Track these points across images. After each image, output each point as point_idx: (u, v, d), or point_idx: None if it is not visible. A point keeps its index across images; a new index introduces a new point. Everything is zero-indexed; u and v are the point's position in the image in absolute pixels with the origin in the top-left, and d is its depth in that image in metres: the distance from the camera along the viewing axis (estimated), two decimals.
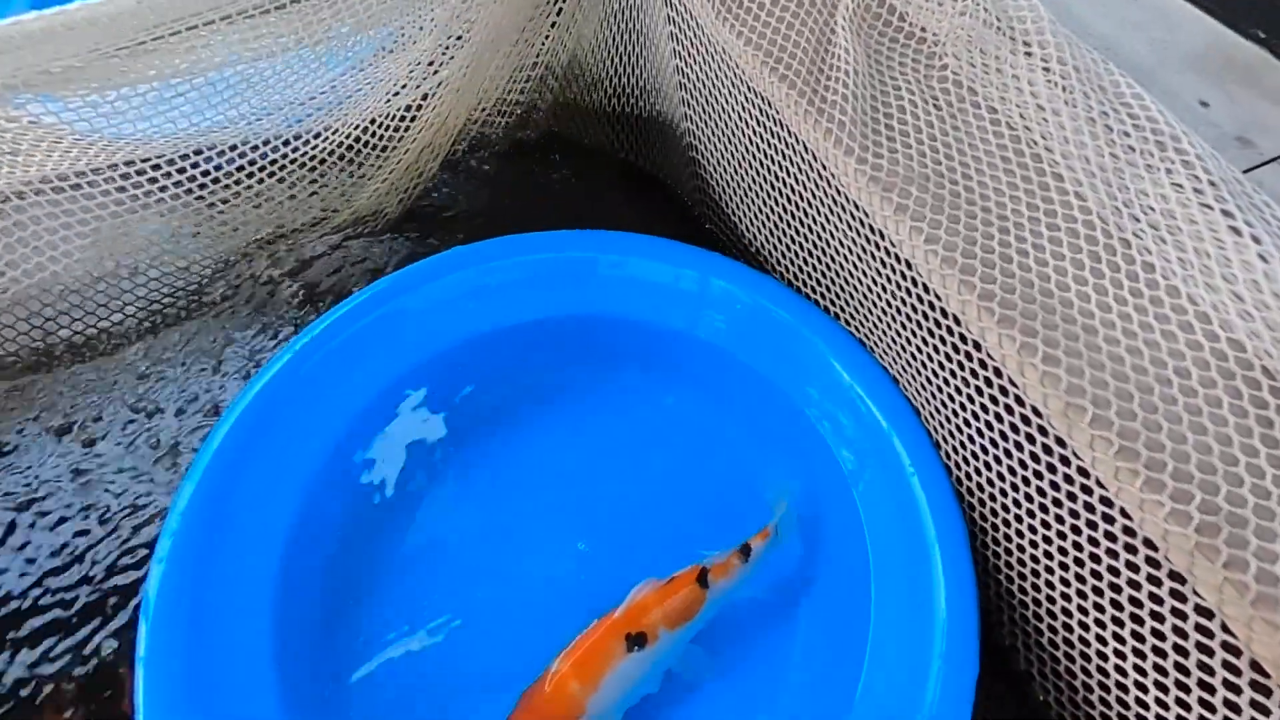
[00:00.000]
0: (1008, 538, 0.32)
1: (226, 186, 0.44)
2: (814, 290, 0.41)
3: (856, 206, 0.34)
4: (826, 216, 0.37)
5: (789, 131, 0.37)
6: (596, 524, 0.38)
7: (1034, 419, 0.28)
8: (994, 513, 0.33)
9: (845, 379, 0.38)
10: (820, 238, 0.38)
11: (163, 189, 0.43)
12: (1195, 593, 0.24)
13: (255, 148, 0.44)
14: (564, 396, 0.42)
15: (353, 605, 0.35)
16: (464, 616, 0.35)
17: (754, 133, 0.40)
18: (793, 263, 0.42)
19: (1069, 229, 0.30)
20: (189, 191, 0.43)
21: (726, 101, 0.41)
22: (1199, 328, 0.27)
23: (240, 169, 0.44)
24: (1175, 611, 0.25)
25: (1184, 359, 0.27)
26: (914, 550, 0.33)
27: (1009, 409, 0.30)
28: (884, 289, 0.35)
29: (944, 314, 0.31)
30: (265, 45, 0.41)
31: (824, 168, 0.35)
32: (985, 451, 0.32)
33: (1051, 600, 0.31)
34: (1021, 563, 0.32)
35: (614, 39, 0.51)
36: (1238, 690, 0.24)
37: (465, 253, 0.41)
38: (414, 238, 0.51)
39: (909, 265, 0.32)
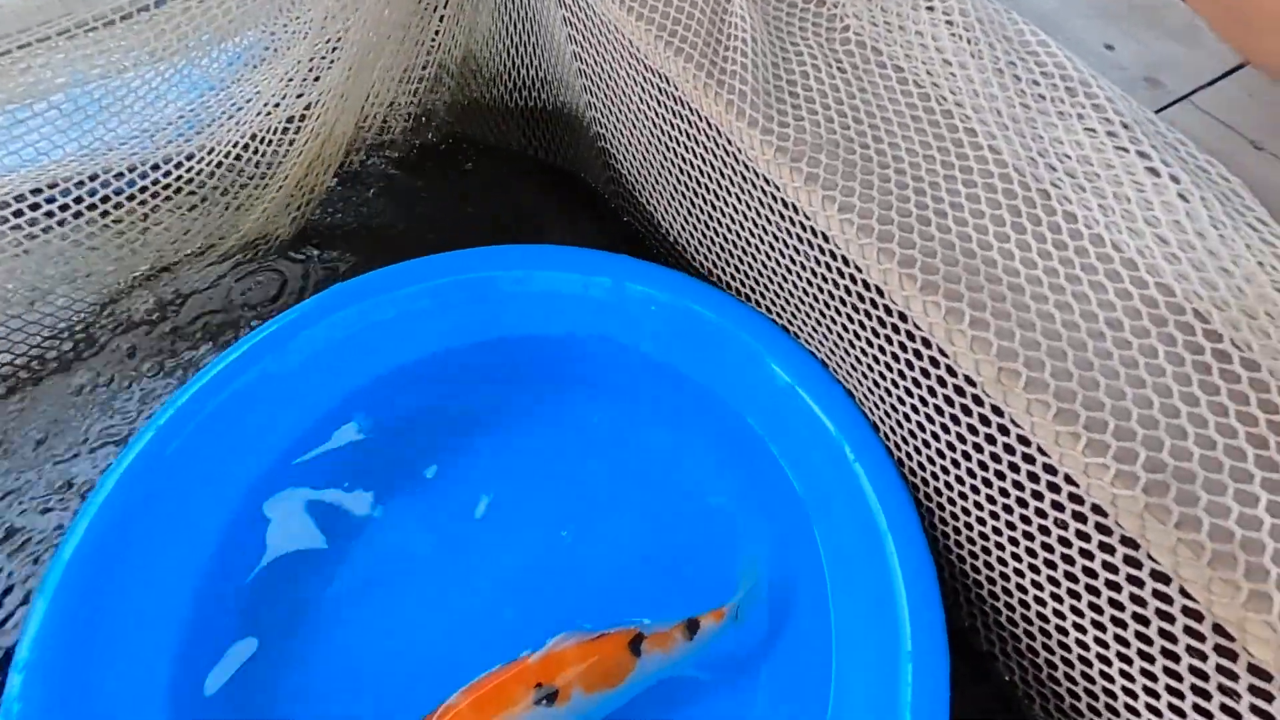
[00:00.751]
0: (955, 516, 0.30)
1: (91, 221, 0.40)
2: (735, 279, 0.39)
3: (767, 181, 0.32)
4: (739, 197, 0.35)
5: (690, 109, 0.35)
6: (526, 561, 0.35)
7: (968, 389, 0.27)
8: (939, 491, 0.31)
9: (782, 378, 0.35)
10: (735, 221, 0.36)
11: (16, 228, 0.38)
12: (1150, 557, 0.23)
13: (120, 175, 0.40)
14: (480, 428, 0.38)
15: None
16: (384, 654, 0.32)
17: (656, 115, 0.38)
18: (710, 250, 0.40)
19: (986, 185, 0.29)
20: (47, 229, 0.39)
21: (626, 84, 0.39)
22: (1126, 275, 0.26)
23: (106, 199, 0.40)
24: (1131, 579, 0.24)
25: (1114, 309, 0.25)
26: (882, 605, 0.30)
27: (942, 381, 0.28)
28: (804, 268, 0.33)
29: (866, 287, 0.29)
30: (115, 61, 0.37)
31: (729, 142, 0.33)
32: (923, 429, 0.30)
33: (1006, 578, 0.29)
34: (973, 540, 0.30)
35: (507, 30, 0.48)
36: (1203, 656, 0.22)
37: (351, 288, 0.37)
38: (311, 258, 0.48)
39: (826, 239, 0.30)
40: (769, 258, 0.35)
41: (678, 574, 0.35)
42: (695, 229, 0.41)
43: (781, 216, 0.32)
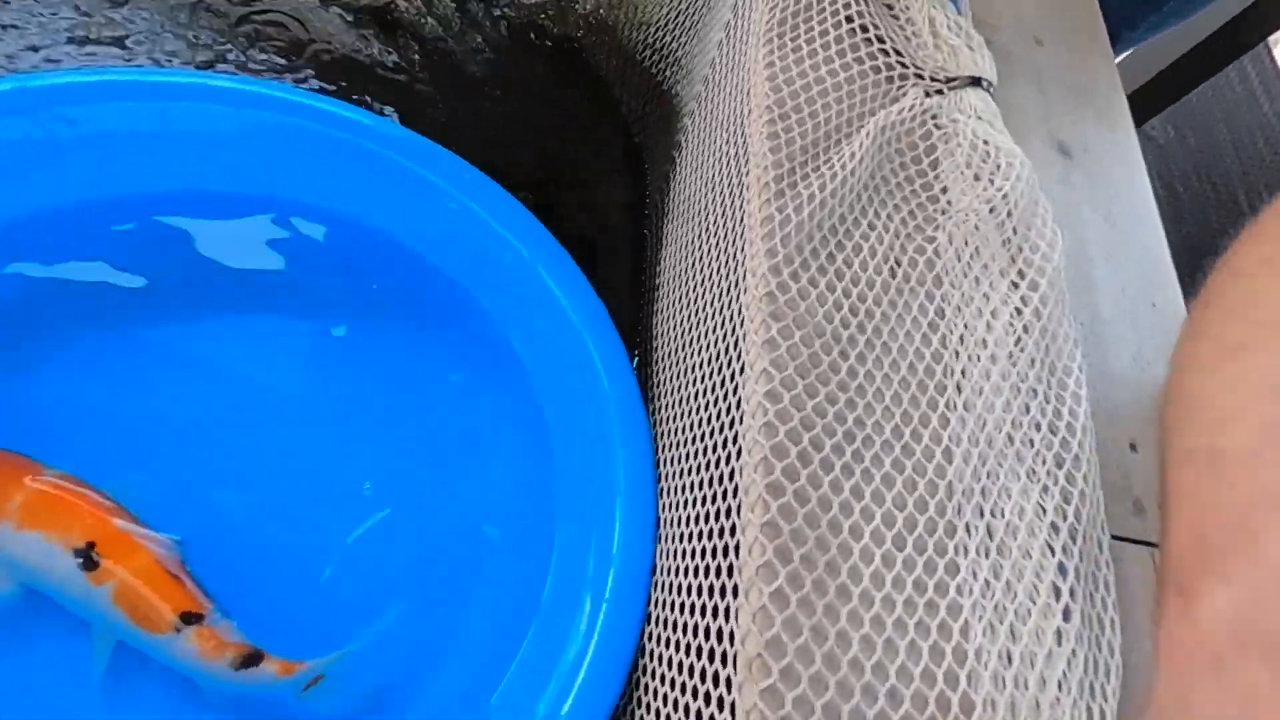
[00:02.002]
0: None
1: None
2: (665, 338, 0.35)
3: (739, 316, 0.28)
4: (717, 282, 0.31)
5: (741, 177, 0.31)
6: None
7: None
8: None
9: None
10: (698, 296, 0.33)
11: None
12: None
13: None
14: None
15: None
16: None
17: (721, 161, 0.34)
18: (675, 314, 0.36)
19: (907, 476, 0.25)
20: None
21: (721, 110, 0.35)
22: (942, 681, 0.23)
23: None
24: None
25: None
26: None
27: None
28: (710, 401, 0.29)
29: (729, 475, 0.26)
30: None
31: (741, 250, 0.30)
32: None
33: None
34: None
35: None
36: None
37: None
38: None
39: (737, 406, 0.27)
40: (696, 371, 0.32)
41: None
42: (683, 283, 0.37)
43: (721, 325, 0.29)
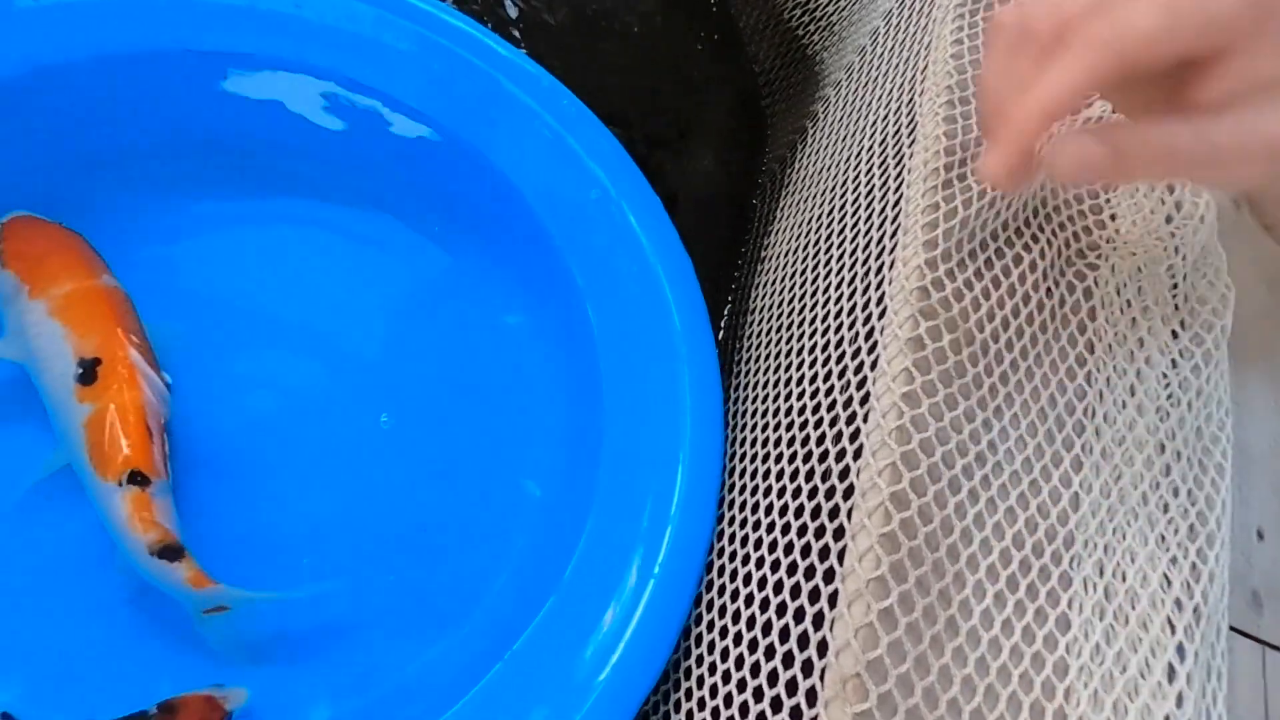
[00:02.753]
0: None
1: None
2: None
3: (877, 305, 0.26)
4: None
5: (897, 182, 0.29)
6: None
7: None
8: None
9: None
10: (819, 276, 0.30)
11: None
12: None
13: None
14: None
15: None
16: None
17: (878, 133, 0.32)
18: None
19: (1030, 515, 0.23)
20: None
21: (884, 101, 0.33)
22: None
23: None
24: None
25: None
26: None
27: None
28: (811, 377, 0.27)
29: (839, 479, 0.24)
30: None
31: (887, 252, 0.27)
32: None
33: None
34: None
35: None
36: None
37: None
38: None
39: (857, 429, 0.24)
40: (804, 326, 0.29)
41: None
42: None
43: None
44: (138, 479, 0.26)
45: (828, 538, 0.22)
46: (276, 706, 0.28)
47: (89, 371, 0.27)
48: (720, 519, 0.30)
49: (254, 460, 0.31)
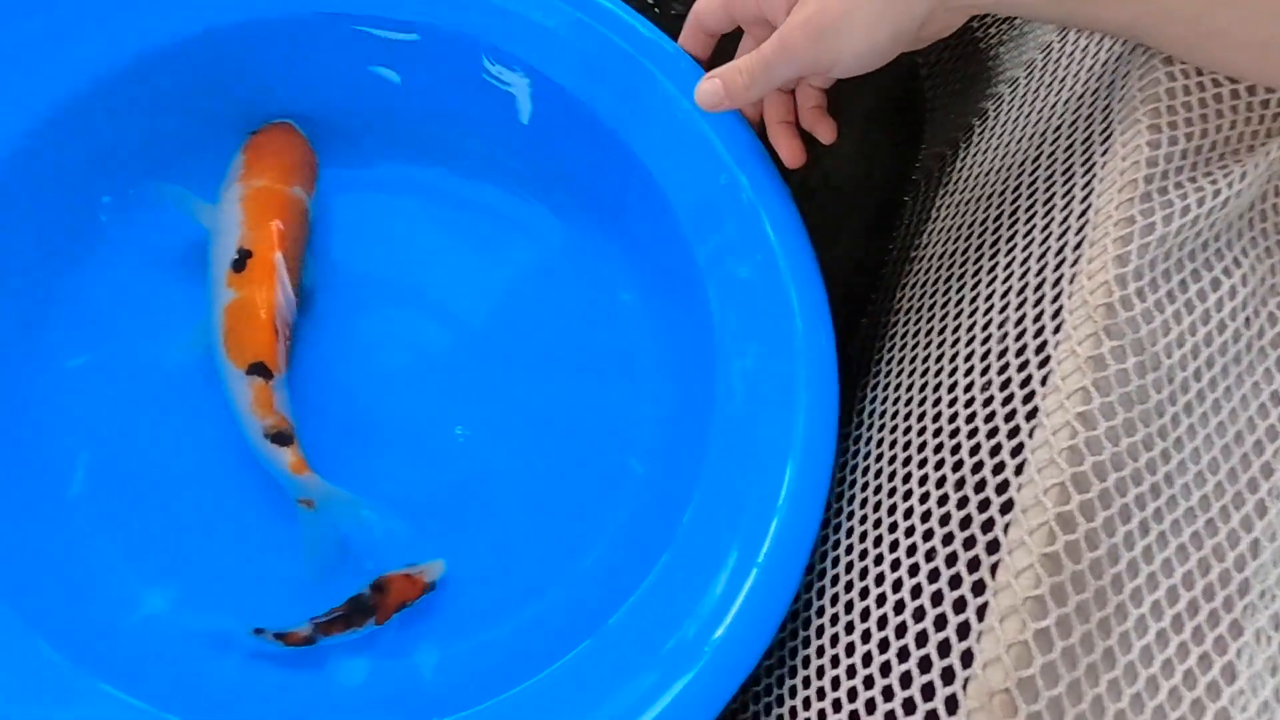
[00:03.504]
0: None
1: None
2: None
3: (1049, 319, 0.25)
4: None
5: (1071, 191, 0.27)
6: None
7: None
8: None
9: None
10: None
11: None
12: None
13: None
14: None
15: None
16: None
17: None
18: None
19: (1203, 556, 0.22)
20: None
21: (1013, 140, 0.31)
22: None
23: None
24: None
25: None
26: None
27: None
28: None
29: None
30: None
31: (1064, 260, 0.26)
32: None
33: None
34: None
35: None
36: None
37: None
38: None
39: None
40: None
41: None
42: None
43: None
44: (258, 370, 0.29)
45: (978, 549, 0.22)
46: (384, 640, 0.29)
47: (241, 260, 0.30)
48: (844, 512, 0.30)
49: (375, 410, 0.33)
